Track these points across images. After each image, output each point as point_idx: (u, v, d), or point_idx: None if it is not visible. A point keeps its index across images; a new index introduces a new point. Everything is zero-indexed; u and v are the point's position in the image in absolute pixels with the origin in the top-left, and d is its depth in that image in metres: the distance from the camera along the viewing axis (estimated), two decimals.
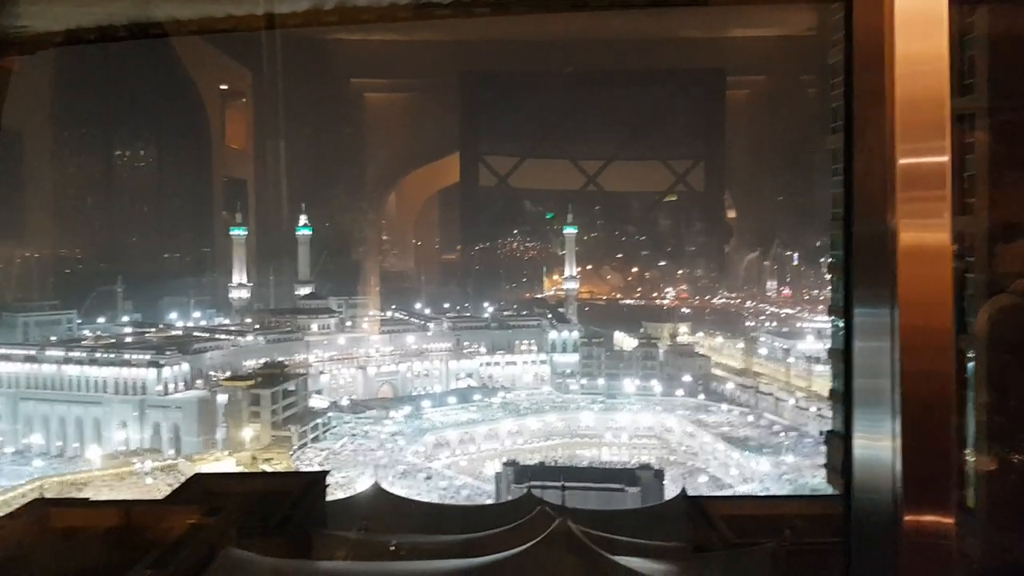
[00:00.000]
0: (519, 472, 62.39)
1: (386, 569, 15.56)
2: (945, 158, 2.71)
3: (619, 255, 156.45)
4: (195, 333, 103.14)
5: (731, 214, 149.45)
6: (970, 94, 26.63)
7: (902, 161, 2.73)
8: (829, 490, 35.47)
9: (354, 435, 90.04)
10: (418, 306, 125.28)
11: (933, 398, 2.67)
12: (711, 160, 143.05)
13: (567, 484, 52.88)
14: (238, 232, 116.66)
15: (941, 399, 2.69)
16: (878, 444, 2.80)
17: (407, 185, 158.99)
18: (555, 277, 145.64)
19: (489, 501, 64.50)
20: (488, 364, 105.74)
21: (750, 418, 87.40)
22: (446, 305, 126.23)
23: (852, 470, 2.95)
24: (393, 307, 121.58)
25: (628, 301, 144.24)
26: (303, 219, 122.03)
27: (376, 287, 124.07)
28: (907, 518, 2.68)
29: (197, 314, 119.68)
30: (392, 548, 15.92)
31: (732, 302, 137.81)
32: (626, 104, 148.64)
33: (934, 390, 2.67)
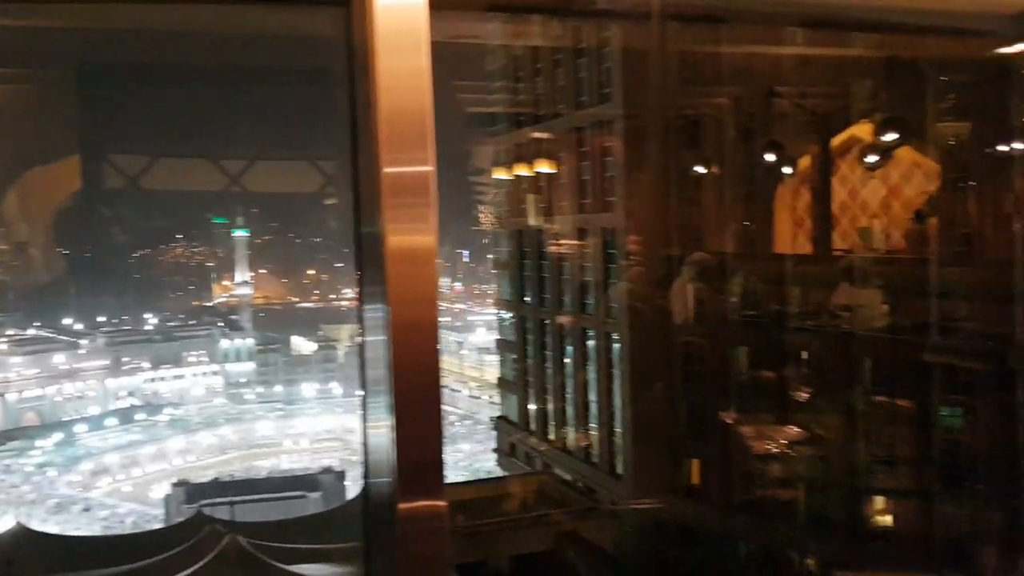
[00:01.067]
0: (190, 491, 59.24)
1: None
2: (429, 168, 2.93)
3: (293, 258, 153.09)
4: None
5: None
6: (608, 103, 29.59)
7: (387, 170, 2.90)
8: (500, 472, 37.71)
9: None
10: (67, 321, 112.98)
11: (421, 390, 2.88)
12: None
13: (244, 498, 51.14)
14: None
15: (429, 391, 2.91)
16: (382, 433, 2.96)
17: (32, 188, 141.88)
18: (226, 283, 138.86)
19: (158, 526, 60.36)
20: (153, 380, 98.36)
21: None
22: (101, 319, 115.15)
23: (367, 459, 3.12)
24: (36, 324, 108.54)
25: (306, 304, 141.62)
26: None
27: (10, 304, 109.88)
28: (402, 505, 2.85)
29: None
30: None
31: None
32: (269, 102, 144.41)
33: (422, 382, 2.88)
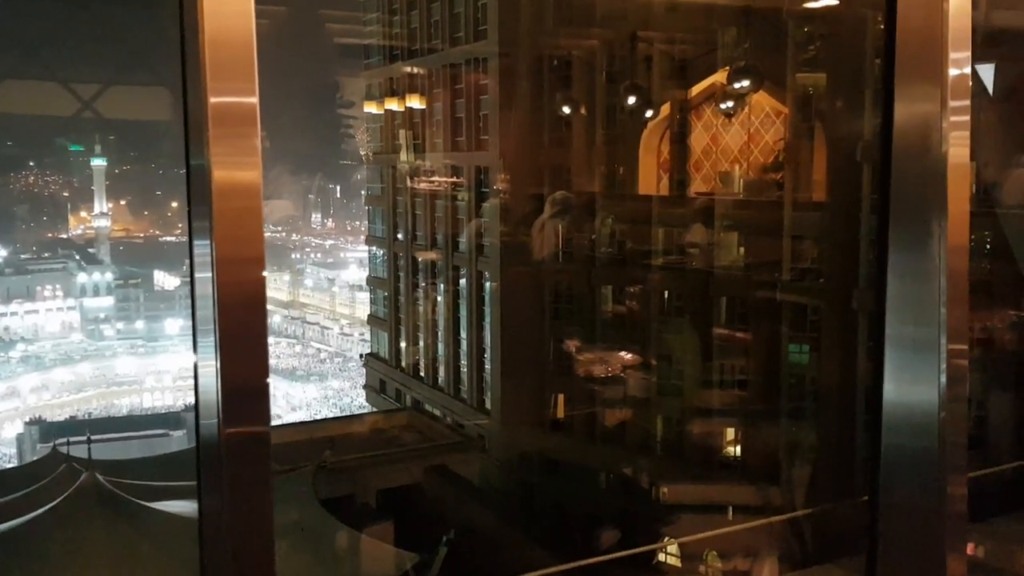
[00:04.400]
0: (45, 430, 56.84)
1: None
2: (252, 99, 2.89)
3: (156, 189, 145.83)
4: None
5: (266, 145, 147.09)
6: (483, 40, 29.22)
7: (213, 100, 2.85)
8: (370, 408, 37.75)
9: None
10: None
11: (247, 323, 2.91)
12: None
13: (103, 437, 49.39)
14: None
15: (255, 326, 2.94)
16: (211, 373, 2.97)
17: None
18: (83, 214, 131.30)
19: (10, 465, 57.71)
20: (4, 315, 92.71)
21: (298, 348, 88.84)
22: None
23: (197, 399, 3.13)
24: None
25: (169, 238, 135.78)
26: None
27: None
28: (228, 430, 2.88)
29: None
30: None
31: (277, 235, 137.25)
32: (124, 23, 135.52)
33: (248, 316, 2.90)
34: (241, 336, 2.88)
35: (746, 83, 17.75)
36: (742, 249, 18.67)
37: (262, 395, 3.00)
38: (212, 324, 2.96)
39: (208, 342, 3.00)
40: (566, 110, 21.81)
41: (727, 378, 18.70)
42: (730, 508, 16.56)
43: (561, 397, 22.43)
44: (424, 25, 30.70)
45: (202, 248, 3.04)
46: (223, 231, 2.86)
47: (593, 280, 20.27)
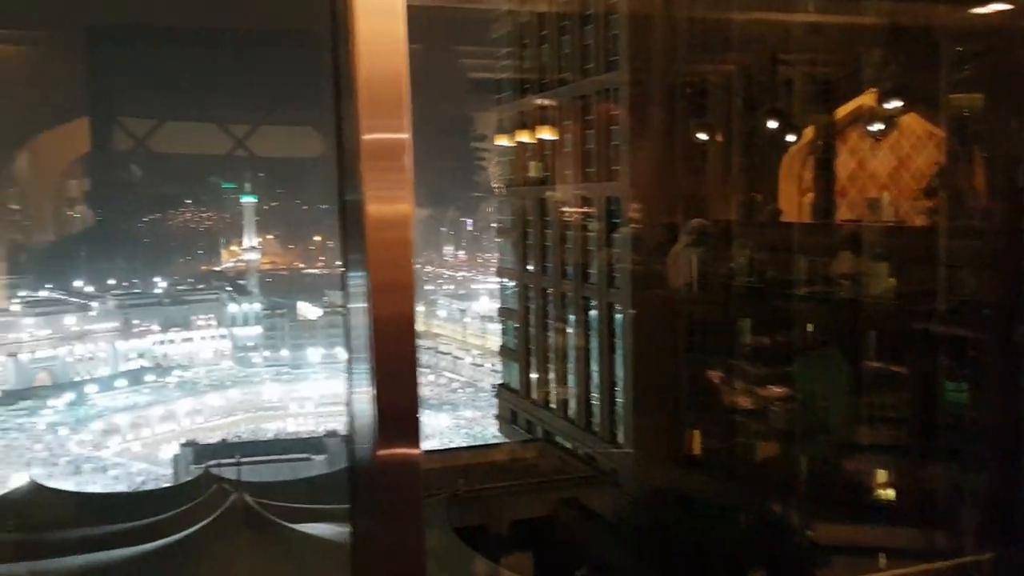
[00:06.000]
0: (198, 452, 59.98)
1: (45, 568, 14.29)
2: (405, 135, 2.94)
3: (300, 224, 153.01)
4: None
5: None
6: (614, 70, 29.29)
7: (366, 136, 2.91)
8: (501, 438, 37.98)
9: (6, 429, 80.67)
10: (78, 284, 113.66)
11: (398, 348, 2.95)
12: None
13: (250, 459, 51.66)
14: None
15: (405, 349, 2.97)
16: (365, 400, 3.02)
17: (42, 150, 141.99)
18: (234, 248, 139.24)
19: (166, 485, 61.28)
20: (162, 342, 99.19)
21: (431, 377, 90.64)
22: (111, 281, 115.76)
23: (352, 425, 3.18)
24: (48, 286, 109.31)
25: (312, 271, 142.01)
26: None
27: (23, 265, 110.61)
28: (380, 452, 2.92)
29: None
30: None
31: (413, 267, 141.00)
32: (271, 65, 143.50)
33: (399, 341, 2.94)
34: (394, 363, 2.91)
35: (897, 104, 16.93)
36: (893, 279, 17.69)
37: (414, 420, 3.02)
38: (366, 352, 3.01)
39: (362, 369, 3.05)
40: (701, 137, 21.44)
41: (877, 414, 17.70)
42: (883, 552, 15.60)
43: (698, 431, 21.84)
44: (555, 58, 31.03)
45: (356, 279, 3.09)
46: (377, 262, 2.90)
47: (731, 311, 19.71)
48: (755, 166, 20.58)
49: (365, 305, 2.94)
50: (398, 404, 2.95)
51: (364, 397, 3.01)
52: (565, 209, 30.65)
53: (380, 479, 2.92)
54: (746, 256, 18.69)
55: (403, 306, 2.95)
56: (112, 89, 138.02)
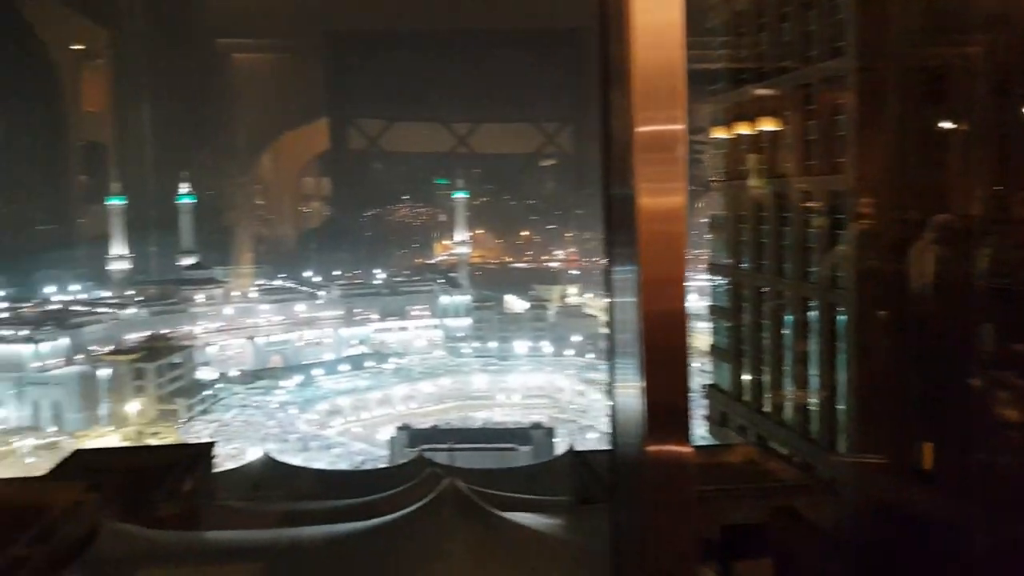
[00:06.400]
0: (412, 436, 62.89)
1: (276, 536, 15.53)
2: (680, 126, 2.90)
3: (509, 219, 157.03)
4: (73, 307, 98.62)
5: None
6: (840, 56, 27.64)
7: (640, 129, 2.89)
8: (710, 440, 37.09)
9: (244, 406, 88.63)
10: (308, 274, 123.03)
11: (669, 342, 2.91)
12: (583, 122, 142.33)
13: (461, 446, 53.63)
14: (115, 202, 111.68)
15: (677, 346, 2.93)
16: (630, 394, 3.01)
17: (284, 149, 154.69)
18: (446, 242, 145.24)
19: (383, 466, 64.82)
20: (380, 330, 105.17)
21: None
22: (336, 272, 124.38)
23: (615, 419, 3.18)
24: (282, 275, 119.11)
25: (518, 264, 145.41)
26: (184, 187, 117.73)
27: (263, 256, 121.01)
28: (649, 448, 2.90)
29: (76, 287, 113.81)
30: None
31: None
32: (493, 64, 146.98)
33: (670, 335, 2.90)
34: (664, 358, 2.87)
35: None
36: None
37: (684, 415, 2.98)
38: (632, 346, 2.98)
39: (628, 363, 3.04)
40: (941, 126, 19.80)
41: None
42: None
43: (930, 443, 20.23)
44: (774, 46, 29.79)
45: (623, 273, 3.07)
46: (649, 256, 2.87)
47: (975, 315, 18.07)
48: (1006, 157, 18.73)
49: (634, 299, 2.92)
50: (668, 399, 2.92)
51: (631, 391, 2.99)
52: (784, 204, 29.37)
53: (649, 474, 2.90)
54: (995, 255, 17.06)
55: (675, 300, 2.91)
56: (348, 91, 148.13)
